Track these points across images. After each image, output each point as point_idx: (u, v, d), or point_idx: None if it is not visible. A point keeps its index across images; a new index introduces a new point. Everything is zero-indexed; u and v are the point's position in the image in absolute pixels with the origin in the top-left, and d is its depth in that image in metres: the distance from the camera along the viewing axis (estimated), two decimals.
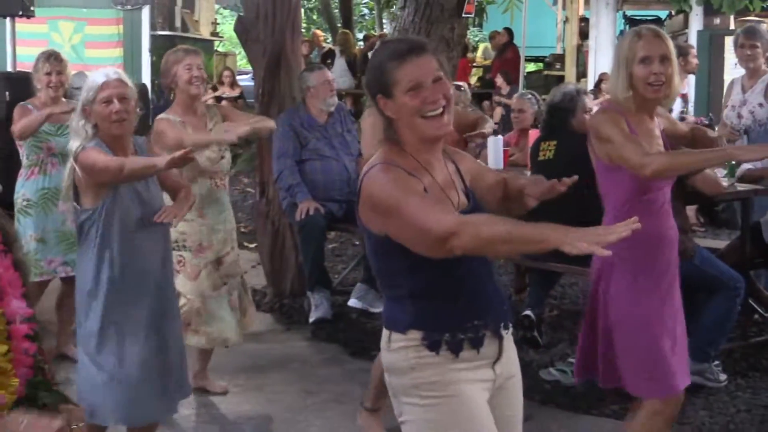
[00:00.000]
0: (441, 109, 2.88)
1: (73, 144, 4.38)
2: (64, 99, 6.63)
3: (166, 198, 4.76)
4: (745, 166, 6.68)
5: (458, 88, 8.19)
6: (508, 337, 3.06)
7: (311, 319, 7.26)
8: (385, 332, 3.02)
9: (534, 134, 7.28)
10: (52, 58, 6.60)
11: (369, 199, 2.89)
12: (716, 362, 5.90)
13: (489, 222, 2.68)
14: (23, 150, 6.62)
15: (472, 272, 2.94)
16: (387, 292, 3.03)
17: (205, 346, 5.89)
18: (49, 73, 6.53)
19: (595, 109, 6.42)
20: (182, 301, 5.73)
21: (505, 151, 7.68)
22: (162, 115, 5.74)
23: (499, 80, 16.79)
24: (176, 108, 5.74)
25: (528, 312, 6.69)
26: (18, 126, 6.46)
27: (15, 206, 6.56)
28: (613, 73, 4.12)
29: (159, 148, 5.33)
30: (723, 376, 5.89)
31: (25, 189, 6.59)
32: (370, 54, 17.24)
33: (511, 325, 3.07)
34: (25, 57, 11.65)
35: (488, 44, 21.84)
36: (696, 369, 5.46)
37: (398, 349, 2.95)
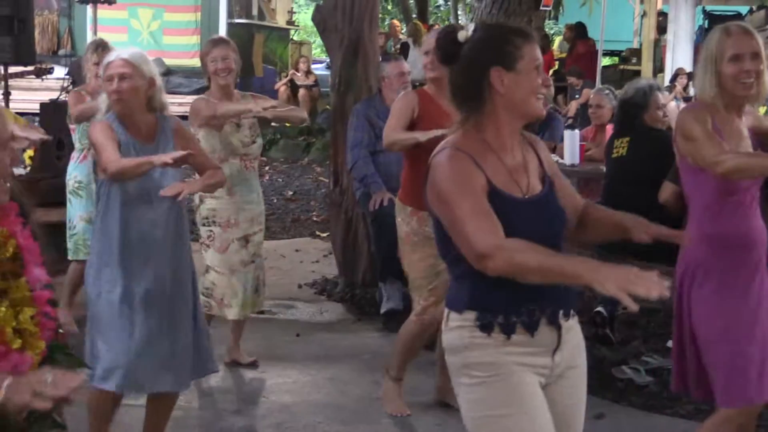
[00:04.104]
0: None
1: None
2: None
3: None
4: None
5: None
6: (570, 325, 3.03)
7: (382, 310, 7.25)
8: (445, 311, 3.05)
9: (611, 129, 7.21)
10: (100, 48, 6.75)
11: (432, 186, 2.96)
12: None
13: (525, 250, 2.74)
14: (75, 134, 6.87)
15: None
16: (451, 273, 3.08)
17: (237, 318, 6.16)
18: (97, 63, 6.62)
19: (670, 105, 6.31)
20: (212, 275, 6.06)
21: (581, 146, 7.61)
22: (200, 96, 6.21)
23: (572, 79, 16.63)
24: (213, 92, 6.10)
25: (600, 309, 6.60)
26: (77, 109, 6.62)
27: (66, 188, 6.82)
28: (700, 72, 4.02)
29: (195, 125, 5.89)
30: None
31: (77, 171, 6.82)
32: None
33: (574, 313, 3.05)
34: None
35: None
36: None
37: (454, 329, 2.99)
